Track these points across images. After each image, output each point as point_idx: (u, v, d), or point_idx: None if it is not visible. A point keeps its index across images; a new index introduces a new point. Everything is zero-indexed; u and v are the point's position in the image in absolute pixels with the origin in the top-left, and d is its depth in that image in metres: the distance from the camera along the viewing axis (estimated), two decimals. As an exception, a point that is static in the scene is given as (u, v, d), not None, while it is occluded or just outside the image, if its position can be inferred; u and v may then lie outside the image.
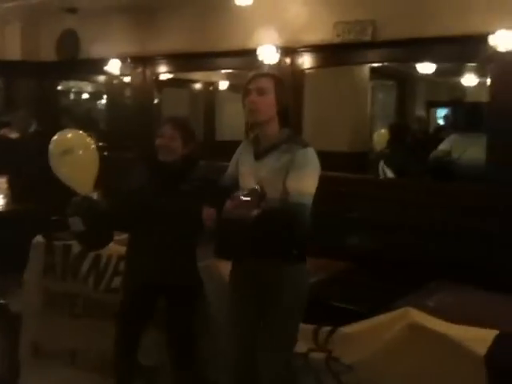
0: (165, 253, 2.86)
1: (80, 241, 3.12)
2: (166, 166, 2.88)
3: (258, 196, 2.21)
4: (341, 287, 3.44)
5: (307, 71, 4.83)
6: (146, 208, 2.86)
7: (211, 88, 7.91)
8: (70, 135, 3.05)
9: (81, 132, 3.12)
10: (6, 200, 5.30)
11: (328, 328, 2.65)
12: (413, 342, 2.35)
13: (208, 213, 2.44)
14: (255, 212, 2.20)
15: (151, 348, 3.16)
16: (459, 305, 2.84)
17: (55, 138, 3.00)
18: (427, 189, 4.15)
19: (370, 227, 4.12)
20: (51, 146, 2.96)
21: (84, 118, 8.16)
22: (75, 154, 2.94)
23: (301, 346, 2.61)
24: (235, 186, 2.56)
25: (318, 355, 2.63)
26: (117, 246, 3.34)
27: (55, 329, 3.61)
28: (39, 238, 3.75)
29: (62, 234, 3.57)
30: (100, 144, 5.80)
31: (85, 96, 9.27)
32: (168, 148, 2.86)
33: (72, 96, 8.94)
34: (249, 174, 2.54)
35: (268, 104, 2.47)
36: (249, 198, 2.19)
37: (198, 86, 7.93)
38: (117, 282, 3.38)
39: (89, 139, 3.06)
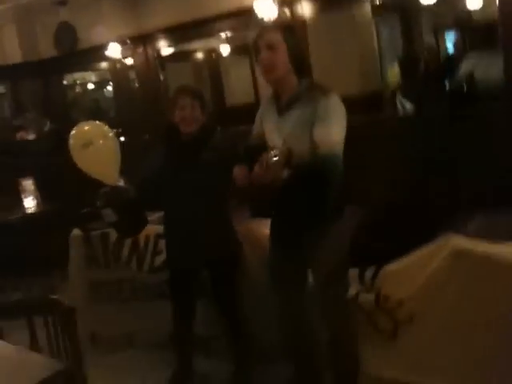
0: (198, 225, 2.88)
1: (116, 230, 3.17)
2: (190, 137, 2.87)
3: (286, 155, 2.16)
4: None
5: (308, 18, 4.73)
6: (173, 184, 2.87)
7: (214, 55, 7.82)
8: (86, 127, 3.03)
9: (97, 122, 3.11)
10: (35, 201, 5.38)
11: (373, 268, 2.67)
12: (458, 268, 2.34)
13: (239, 172, 2.42)
14: (285, 172, 2.16)
15: (207, 319, 3.23)
16: (501, 224, 2.81)
17: (73, 132, 2.99)
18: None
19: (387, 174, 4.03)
20: (71, 141, 2.95)
21: (93, 108, 8.17)
22: (95, 145, 2.92)
23: (349, 290, 2.63)
24: (263, 145, 2.52)
25: (368, 296, 2.63)
26: (153, 226, 3.38)
27: (107, 316, 3.71)
28: (76, 232, 3.82)
29: (97, 224, 3.62)
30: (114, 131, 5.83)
31: (91, 86, 9.26)
32: (191, 118, 2.84)
33: (78, 88, 8.93)
34: (274, 131, 2.49)
35: (280, 58, 2.38)
36: (276, 159, 2.14)
37: (200, 55, 7.85)
38: (159, 260, 3.44)
39: (106, 127, 3.05)
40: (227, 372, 3.08)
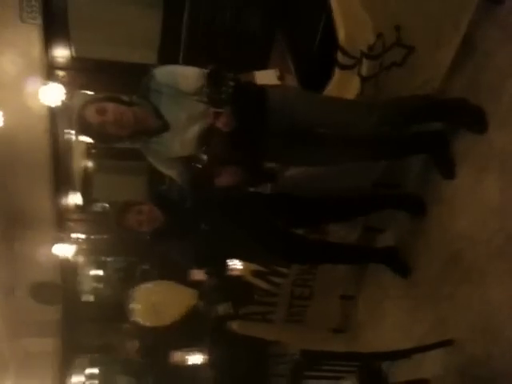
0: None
1: (234, 306, 3.47)
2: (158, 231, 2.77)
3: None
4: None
5: None
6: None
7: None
8: (139, 307, 3.41)
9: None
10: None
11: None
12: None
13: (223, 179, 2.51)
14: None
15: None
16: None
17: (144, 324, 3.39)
18: None
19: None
20: (146, 323, 3.38)
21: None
22: (158, 303, 3.25)
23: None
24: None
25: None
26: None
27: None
28: (235, 323, 3.68)
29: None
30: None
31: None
32: (151, 219, 2.68)
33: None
34: (176, 145, 2.50)
35: (119, 110, 2.39)
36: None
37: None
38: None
39: (135, 293, 3.43)
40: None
